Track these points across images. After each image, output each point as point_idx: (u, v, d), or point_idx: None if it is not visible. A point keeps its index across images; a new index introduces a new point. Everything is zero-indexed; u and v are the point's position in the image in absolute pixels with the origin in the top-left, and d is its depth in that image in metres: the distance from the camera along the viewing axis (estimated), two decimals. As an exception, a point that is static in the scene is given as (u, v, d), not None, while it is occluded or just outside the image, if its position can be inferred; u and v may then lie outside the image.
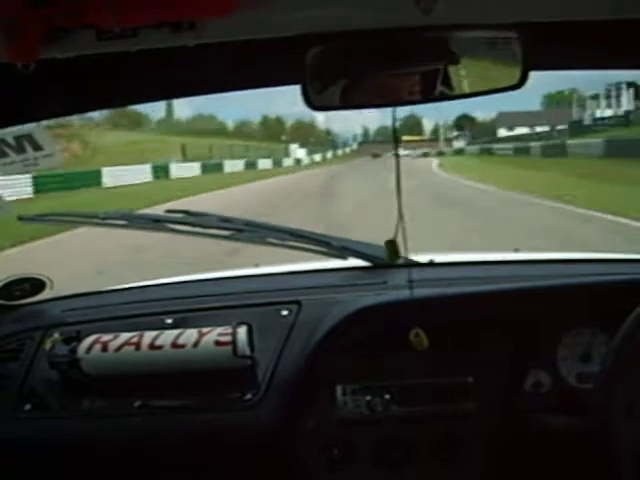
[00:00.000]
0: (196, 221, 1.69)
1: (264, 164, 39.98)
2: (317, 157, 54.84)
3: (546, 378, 1.48)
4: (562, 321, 1.49)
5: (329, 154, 61.30)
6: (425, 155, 48.13)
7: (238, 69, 1.16)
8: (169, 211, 1.75)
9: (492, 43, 1.01)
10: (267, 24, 0.94)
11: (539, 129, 46.24)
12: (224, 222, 1.69)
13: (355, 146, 72.34)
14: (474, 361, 1.48)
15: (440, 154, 48.30)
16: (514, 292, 1.50)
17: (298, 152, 51.91)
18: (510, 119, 54.29)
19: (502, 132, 54.66)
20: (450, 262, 1.80)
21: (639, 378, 1.16)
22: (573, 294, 1.50)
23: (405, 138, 57.64)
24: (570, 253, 1.91)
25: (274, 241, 1.65)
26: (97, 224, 1.76)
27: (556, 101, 62.30)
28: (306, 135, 66.62)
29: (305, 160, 50.01)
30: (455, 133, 57.48)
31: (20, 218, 1.69)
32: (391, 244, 1.60)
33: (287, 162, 45.72)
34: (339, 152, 66.11)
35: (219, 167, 33.40)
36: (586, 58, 1.19)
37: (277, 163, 43.08)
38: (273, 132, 68.23)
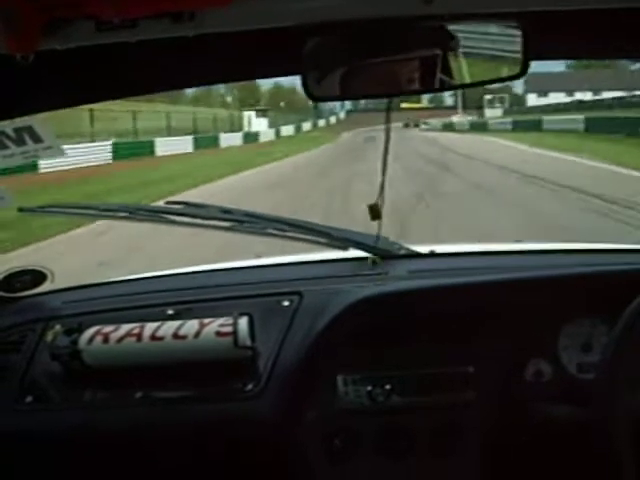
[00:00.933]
0: (196, 212, 1.69)
1: (176, 146, 23.35)
2: (288, 130, 39.28)
3: (547, 368, 1.48)
4: (563, 311, 1.49)
5: (307, 125, 46.71)
6: (447, 128, 36.03)
7: (238, 59, 1.16)
8: (169, 202, 1.75)
9: (493, 32, 1.01)
10: (266, 14, 0.94)
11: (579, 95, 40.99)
12: (224, 213, 1.68)
13: (342, 115, 60.06)
14: (474, 351, 1.48)
15: (478, 126, 32.70)
16: (515, 282, 1.50)
17: (255, 123, 35.99)
18: (541, 82, 45.91)
19: (532, 99, 47.68)
20: (451, 253, 1.80)
21: (639, 368, 1.17)
22: (574, 284, 1.50)
23: (404, 105, 48.14)
24: (571, 244, 1.91)
25: (275, 232, 1.64)
26: (97, 216, 1.76)
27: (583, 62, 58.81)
28: (282, 101, 56.36)
29: (268, 135, 34.43)
30: (488, 97, 45.16)
31: (20, 209, 1.69)
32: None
33: (233, 140, 29.31)
34: (321, 122, 51.99)
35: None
36: (587, 47, 1.19)
37: (208, 142, 26.20)
38: (245, 98, 58.13)
